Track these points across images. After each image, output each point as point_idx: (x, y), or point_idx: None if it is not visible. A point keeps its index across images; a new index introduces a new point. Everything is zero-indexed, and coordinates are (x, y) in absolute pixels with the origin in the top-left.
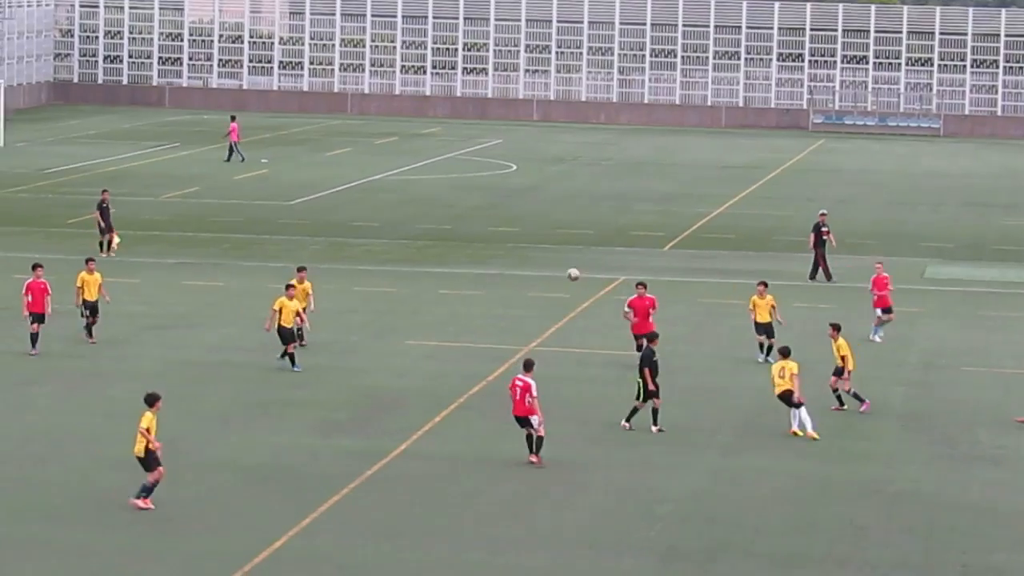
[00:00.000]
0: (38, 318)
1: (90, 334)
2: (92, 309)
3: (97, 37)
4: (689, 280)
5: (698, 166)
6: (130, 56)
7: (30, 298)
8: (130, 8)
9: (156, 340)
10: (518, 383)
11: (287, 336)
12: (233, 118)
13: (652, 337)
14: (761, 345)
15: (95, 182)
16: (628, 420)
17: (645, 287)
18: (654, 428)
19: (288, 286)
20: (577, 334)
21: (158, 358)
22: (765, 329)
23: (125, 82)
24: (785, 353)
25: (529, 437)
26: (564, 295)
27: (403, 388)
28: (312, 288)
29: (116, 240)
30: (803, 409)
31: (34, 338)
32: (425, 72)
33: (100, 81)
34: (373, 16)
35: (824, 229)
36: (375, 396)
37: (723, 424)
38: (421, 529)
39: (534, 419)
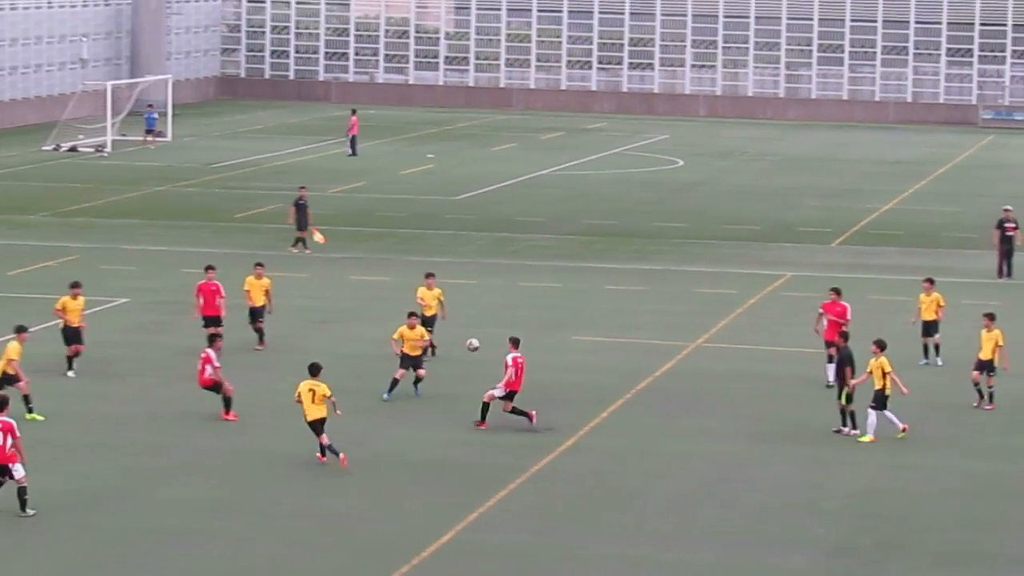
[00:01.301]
0: (211, 321)
1: (261, 339)
2: (256, 313)
3: (264, 32)
4: (856, 276)
5: (865, 162)
6: (297, 51)
7: (201, 300)
8: (297, 3)
9: (322, 334)
10: (519, 360)
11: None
12: (354, 112)
13: (845, 336)
14: (925, 347)
15: (262, 177)
16: (845, 425)
17: (839, 293)
18: (845, 430)
19: (411, 314)
20: (743, 330)
21: (324, 352)
22: (929, 328)
23: (292, 77)
24: (882, 347)
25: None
26: (731, 291)
27: (569, 383)
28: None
29: (319, 237)
30: (882, 414)
31: (211, 338)
32: (591, 67)
33: (267, 76)
34: (539, 11)
35: (1009, 225)
36: (541, 391)
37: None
38: (587, 524)
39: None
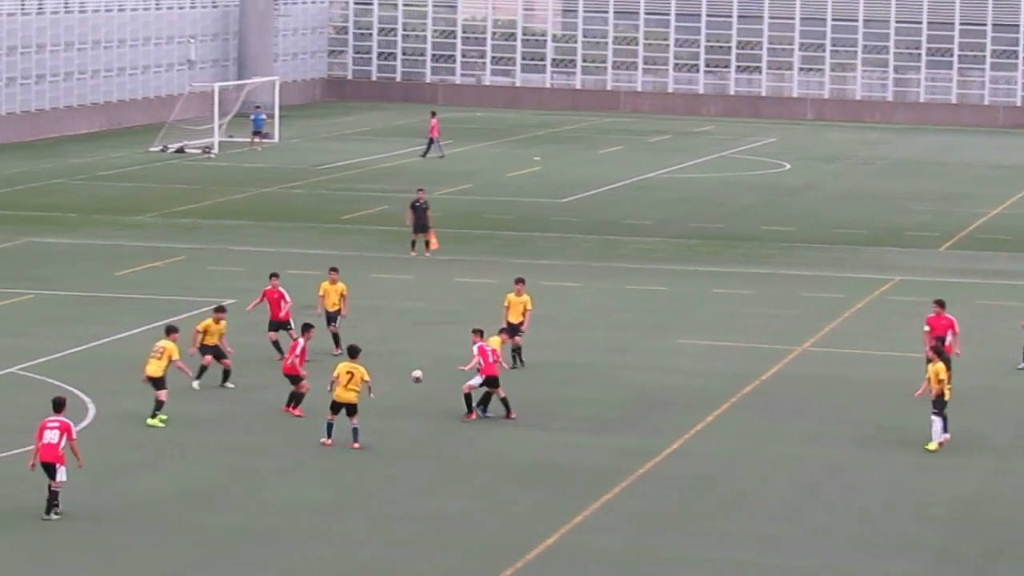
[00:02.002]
0: (278, 326)
1: (336, 344)
2: (331, 318)
3: (371, 34)
4: (965, 281)
5: (974, 166)
6: (404, 53)
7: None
8: (404, 5)
9: (425, 335)
10: (484, 348)
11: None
12: (433, 114)
13: (941, 341)
14: None
15: (368, 178)
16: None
17: (943, 306)
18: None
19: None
20: (850, 335)
21: (426, 354)
22: None
23: (398, 79)
24: (937, 352)
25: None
26: (838, 295)
27: (674, 387)
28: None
29: (434, 242)
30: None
31: (276, 344)
32: (698, 70)
33: (374, 78)
34: (646, 14)
35: None
36: (646, 394)
37: (998, 428)
38: (692, 528)
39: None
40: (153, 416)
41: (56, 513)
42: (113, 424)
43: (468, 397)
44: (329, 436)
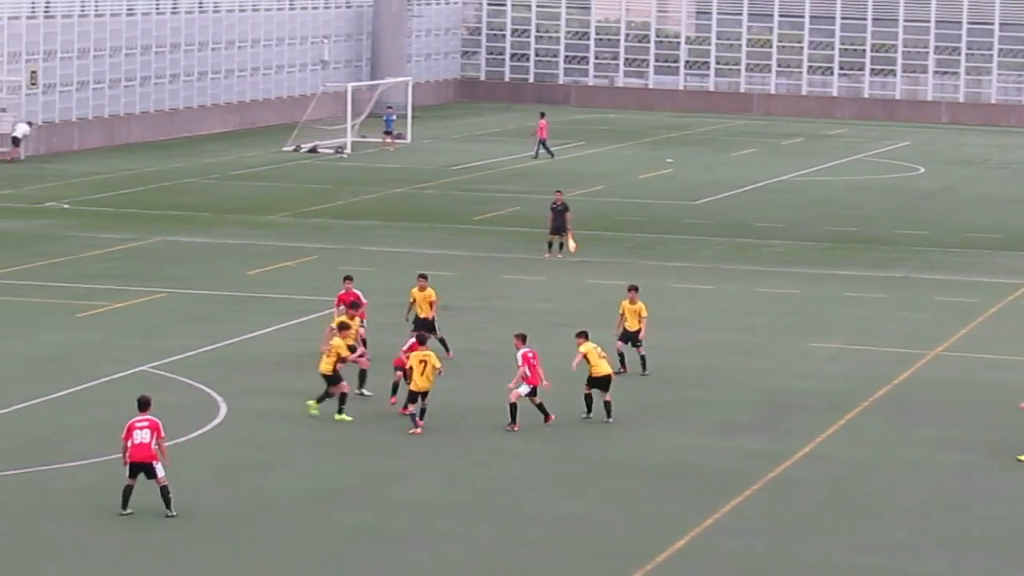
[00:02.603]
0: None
1: (446, 348)
2: (423, 325)
3: (504, 35)
4: None
5: None
6: (536, 55)
7: (340, 309)
8: (537, 7)
9: (557, 337)
10: (529, 355)
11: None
12: (542, 115)
13: None
14: None
15: (500, 179)
16: None
17: None
18: None
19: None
20: (984, 339)
21: (558, 354)
22: None
23: (531, 80)
24: None
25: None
26: (972, 299)
27: (806, 390)
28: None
29: (572, 244)
30: None
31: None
32: (832, 73)
33: (506, 79)
34: (780, 16)
35: None
36: (778, 397)
37: None
38: (822, 532)
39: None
40: (340, 412)
41: (171, 508)
42: (244, 423)
43: (513, 407)
44: (415, 424)
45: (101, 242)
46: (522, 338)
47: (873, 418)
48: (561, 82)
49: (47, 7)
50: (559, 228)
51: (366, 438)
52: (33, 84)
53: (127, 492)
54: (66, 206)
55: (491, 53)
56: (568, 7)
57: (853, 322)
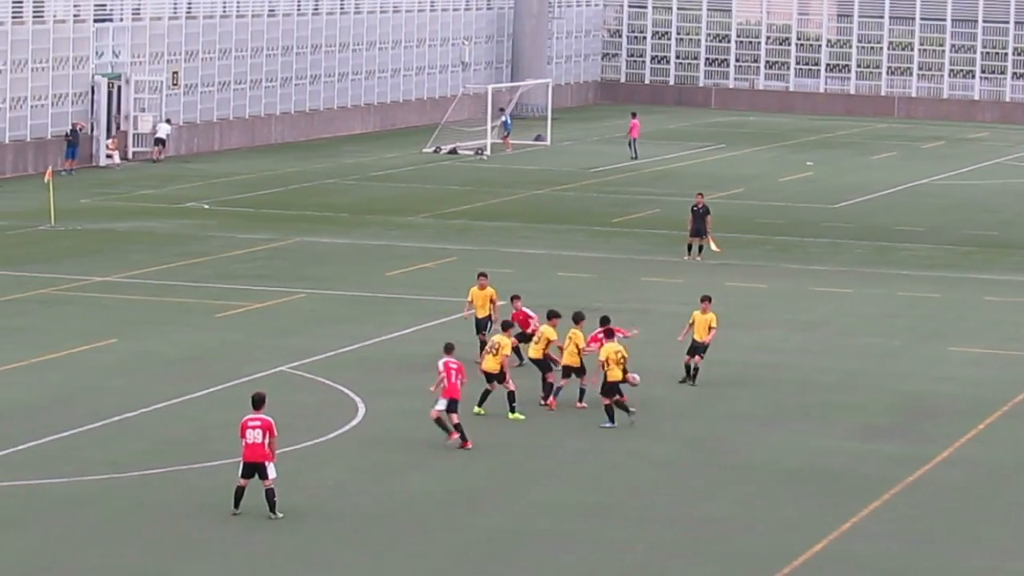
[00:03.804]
0: (482, 324)
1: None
2: (480, 325)
3: (645, 38)
4: None
5: None
6: (677, 57)
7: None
8: (678, 9)
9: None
10: (452, 366)
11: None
12: (634, 114)
13: None
14: None
15: (640, 182)
16: None
17: None
18: None
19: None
20: None
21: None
22: None
23: (672, 83)
24: None
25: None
26: None
27: (946, 394)
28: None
29: (713, 246)
30: None
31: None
32: (974, 76)
33: (647, 81)
34: (922, 19)
35: None
36: (917, 401)
37: None
38: (962, 536)
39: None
40: (512, 410)
41: (276, 511)
42: (382, 424)
43: (439, 422)
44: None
45: (241, 242)
46: (447, 348)
47: (1013, 422)
48: (701, 84)
49: (189, 8)
50: (699, 231)
51: (503, 440)
52: (175, 84)
53: (239, 492)
54: (207, 206)
55: (631, 55)
56: (709, 9)
57: (993, 326)
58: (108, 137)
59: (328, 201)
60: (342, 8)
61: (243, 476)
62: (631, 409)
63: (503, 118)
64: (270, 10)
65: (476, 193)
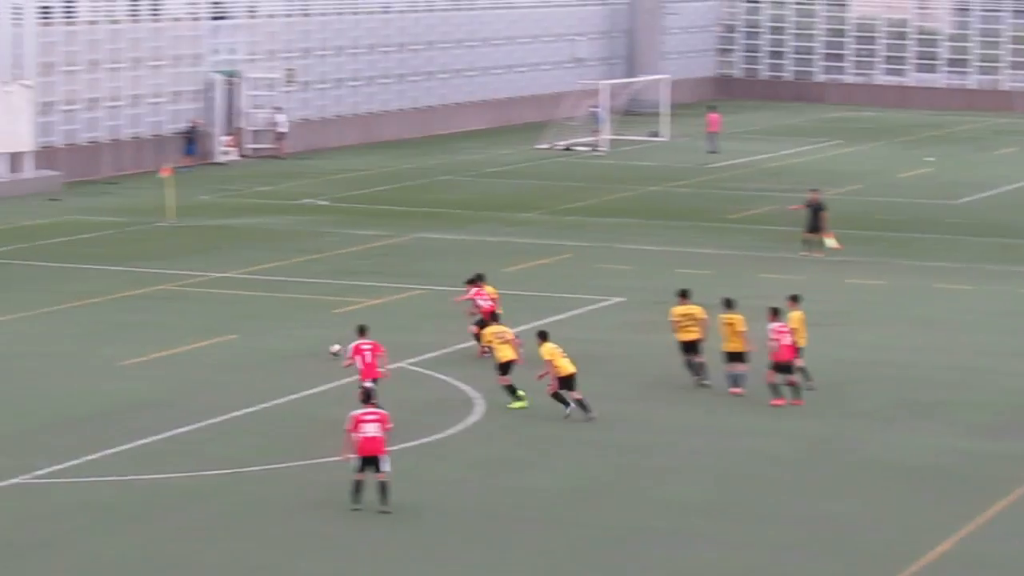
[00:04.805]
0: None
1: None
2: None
3: (761, 33)
4: None
5: None
6: (794, 52)
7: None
8: (795, 4)
9: (814, 336)
10: (365, 347)
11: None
12: (713, 108)
13: None
14: None
15: (757, 178)
16: None
17: None
18: None
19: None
20: None
21: (819, 356)
22: None
23: (788, 78)
24: None
25: None
26: None
27: None
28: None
29: (829, 242)
30: None
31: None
32: None
33: (763, 77)
34: None
35: None
36: None
37: None
38: None
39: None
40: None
41: (388, 504)
42: (500, 420)
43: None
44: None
45: (357, 239)
46: (360, 329)
47: None
48: (818, 80)
49: (305, 6)
50: (815, 227)
51: (622, 436)
52: (290, 82)
53: (358, 486)
54: (323, 203)
55: (748, 51)
56: (826, 4)
57: None
58: (225, 134)
59: (443, 197)
60: (457, 4)
61: (360, 470)
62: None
63: (595, 111)
64: (385, 7)
65: (591, 189)
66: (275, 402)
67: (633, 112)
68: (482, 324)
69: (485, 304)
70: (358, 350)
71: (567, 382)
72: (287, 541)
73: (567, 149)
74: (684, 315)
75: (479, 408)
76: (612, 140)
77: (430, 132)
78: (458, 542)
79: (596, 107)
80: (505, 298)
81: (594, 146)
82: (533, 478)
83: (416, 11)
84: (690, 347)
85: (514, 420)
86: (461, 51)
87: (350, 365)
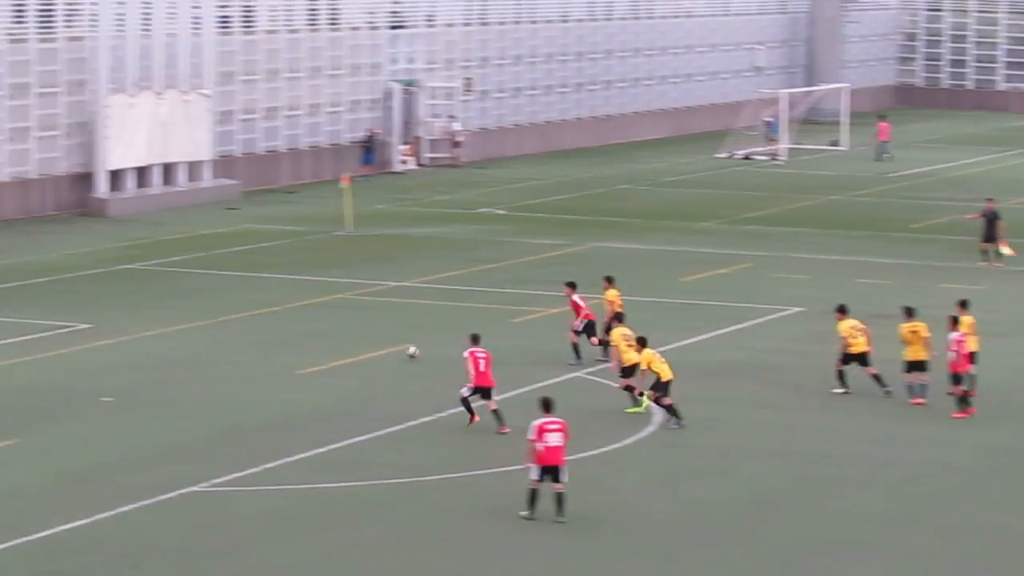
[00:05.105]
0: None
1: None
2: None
3: (942, 41)
4: None
5: None
6: (975, 60)
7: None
8: (977, 12)
9: (996, 347)
10: (479, 355)
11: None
12: (883, 117)
13: None
14: None
15: (938, 187)
16: None
17: None
18: None
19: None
20: None
21: (995, 365)
22: None
23: (970, 87)
24: None
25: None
26: None
27: None
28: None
29: (1006, 250)
30: None
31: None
32: None
33: (944, 85)
34: None
35: None
36: None
37: None
38: None
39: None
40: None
41: (564, 515)
42: (678, 429)
43: (464, 402)
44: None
45: (535, 248)
46: (473, 338)
47: None
48: (1001, 88)
49: (483, 14)
50: (990, 236)
51: (801, 447)
52: (468, 90)
53: (535, 495)
54: (501, 212)
55: (928, 59)
56: (1009, 12)
57: None
58: (403, 143)
59: (621, 207)
60: (635, 13)
61: (539, 478)
62: None
63: (769, 120)
64: (563, 16)
65: (771, 198)
66: (451, 411)
67: (812, 121)
68: (589, 329)
69: (583, 310)
70: (473, 357)
71: (664, 387)
72: (465, 549)
73: (746, 158)
74: (853, 328)
75: (658, 418)
76: (791, 149)
77: (608, 141)
78: (635, 552)
79: (771, 118)
80: (682, 307)
81: (774, 155)
82: (712, 488)
83: (595, 20)
84: (859, 359)
85: (693, 430)
86: (640, 60)
87: (475, 372)
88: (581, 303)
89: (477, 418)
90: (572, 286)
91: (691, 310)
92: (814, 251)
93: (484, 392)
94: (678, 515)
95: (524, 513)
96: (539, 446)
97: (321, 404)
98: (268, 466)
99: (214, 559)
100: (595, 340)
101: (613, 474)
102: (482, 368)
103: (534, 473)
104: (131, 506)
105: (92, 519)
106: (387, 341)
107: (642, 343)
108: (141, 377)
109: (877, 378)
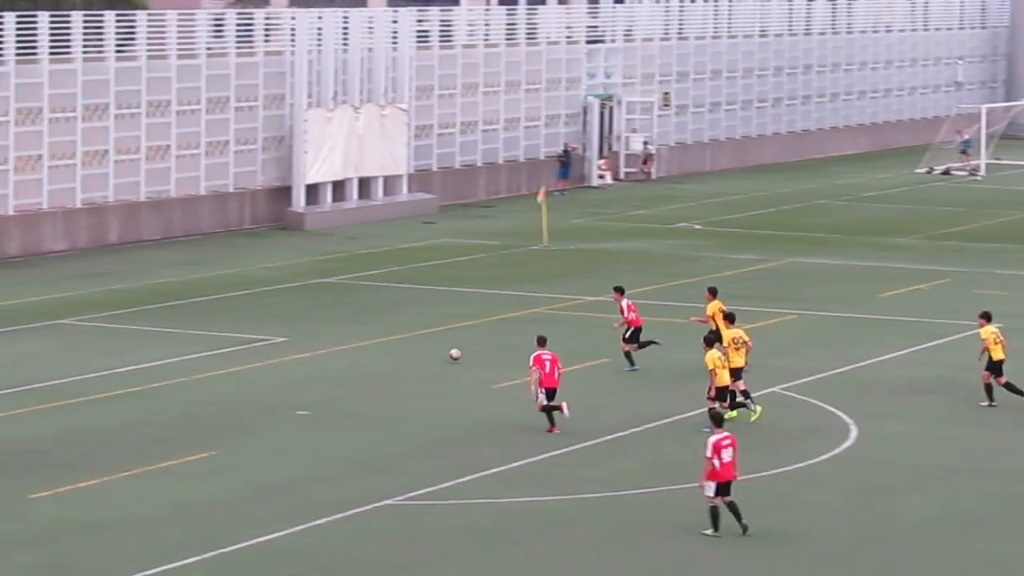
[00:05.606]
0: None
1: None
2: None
3: None
4: None
5: None
6: None
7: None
8: None
9: None
10: (545, 357)
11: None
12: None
13: None
14: None
15: None
16: None
17: None
18: None
19: None
20: None
21: None
22: None
23: None
24: None
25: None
26: None
27: None
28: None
29: None
30: None
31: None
32: None
33: None
34: None
35: None
36: None
37: None
38: None
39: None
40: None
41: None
42: (875, 446)
43: (545, 411)
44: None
45: (732, 263)
46: (540, 341)
47: None
48: None
49: (680, 29)
50: None
51: (997, 464)
52: (666, 105)
53: (716, 512)
54: (698, 227)
55: None
56: None
57: None
58: (600, 157)
59: (819, 222)
60: (834, 28)
61: (718, 494)
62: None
63: (964, 137)
64: (761, 31)
65: (970, 214)
66: (647, 426)
67: (1012, 136)
68: (635, 337)
69: (631, 315)
70: (539, 360)
71: (723, 392)
72: (658, 565)
73: (945, 173)
74: (995, 336)
75: (854, 434)
76: (989, 164)
77: (805, 156)
78: (829, 570)
79: (965, 136)
80: (880, 323)
81: (974, 170)
82: (908, 505)
83: (793, 35)
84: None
85: (890, 446)
86: (838, 75)
87: (536, 376)
88: (627, 310)
89: (556, 429)
90: (620, 291)
91: (889, 325)
92: (1014, 267)
93: (549, 393)
94: (871, 533)
95: (708, 532)
96: (715, 463)
97: (514, 418)
98: (461, 480)
99: (408, 572)
100: (626, 346)
101: (808, 490)
102: (547, 369)
103: (711, 490)
104: (326, 519)
105: (288, 531)
106: (582, 356)
107: (709, 343)
108: (336, 391)
109: (1010, 387)
